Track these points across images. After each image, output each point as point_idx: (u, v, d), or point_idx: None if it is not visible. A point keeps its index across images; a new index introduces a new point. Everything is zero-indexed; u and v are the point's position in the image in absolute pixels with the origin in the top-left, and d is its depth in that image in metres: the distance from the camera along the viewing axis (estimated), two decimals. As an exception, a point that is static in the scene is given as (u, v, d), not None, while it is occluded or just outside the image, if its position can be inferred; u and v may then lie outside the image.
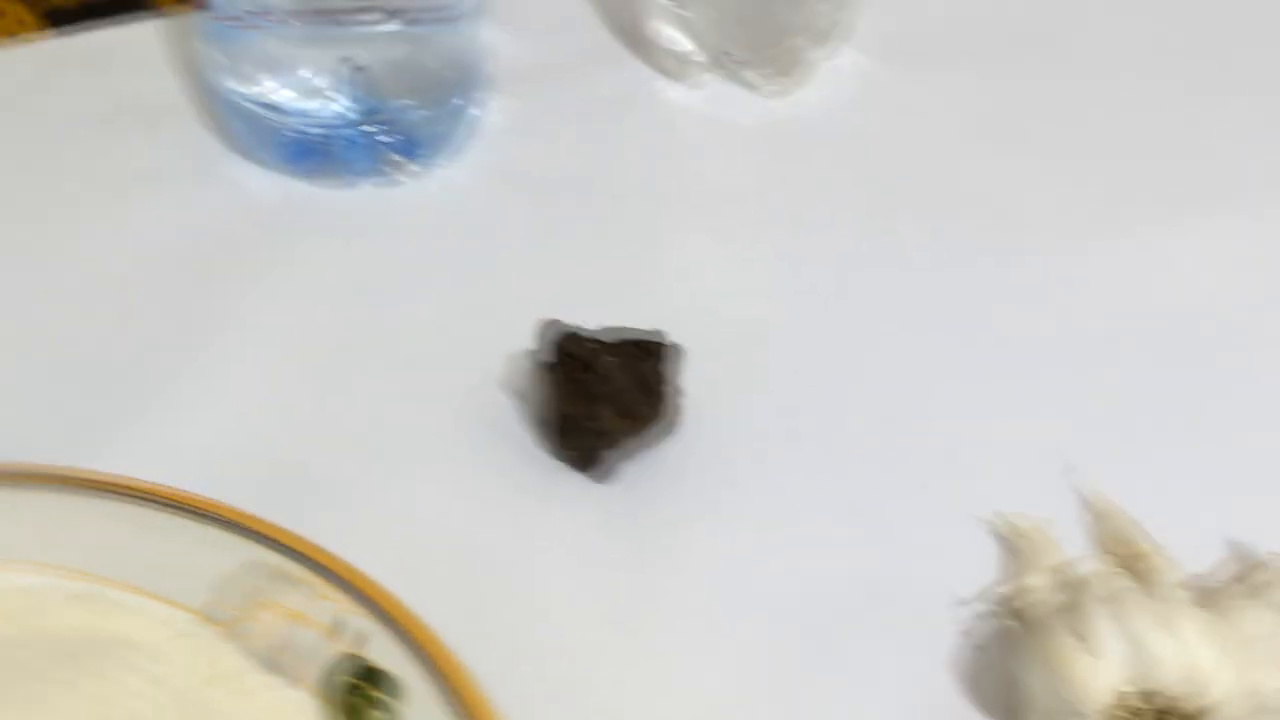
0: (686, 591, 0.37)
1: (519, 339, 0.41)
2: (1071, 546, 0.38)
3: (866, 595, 0.37)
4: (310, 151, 0.47)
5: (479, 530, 0.38)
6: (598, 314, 0.42)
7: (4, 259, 0.45)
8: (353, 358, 0.42)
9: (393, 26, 0.46)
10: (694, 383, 0.40)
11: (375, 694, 0.31)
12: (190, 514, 0.33)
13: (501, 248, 0.46)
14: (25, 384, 0.41)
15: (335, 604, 0.32)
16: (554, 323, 0.39)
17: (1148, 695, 0.32)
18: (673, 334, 0.40)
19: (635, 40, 0.53)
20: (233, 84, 0.47)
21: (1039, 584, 0.36)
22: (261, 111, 0.47)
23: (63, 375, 0.42)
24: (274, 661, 0.32)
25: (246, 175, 0.48)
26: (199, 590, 0.33)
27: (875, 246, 0.47)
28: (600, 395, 0.38)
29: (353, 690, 0.32)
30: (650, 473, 0.39)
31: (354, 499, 0.38)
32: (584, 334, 0.39)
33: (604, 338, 0.39)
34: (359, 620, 0.32)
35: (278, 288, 0.44)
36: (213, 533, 0.33)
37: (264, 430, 0.40)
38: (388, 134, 0.47)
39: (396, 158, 0.47)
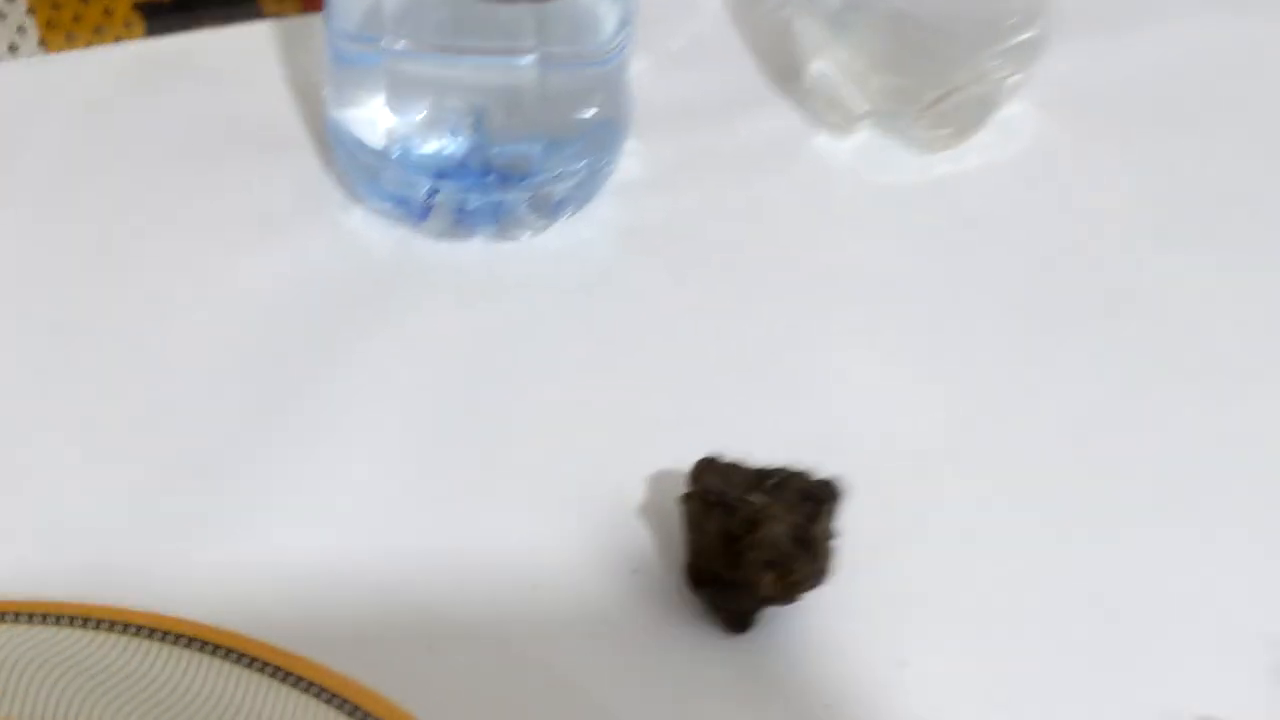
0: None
1: (655, 448, 0.37)
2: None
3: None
4: (421, 200, 0.42)
5: (600, 680, 0.34)
6: (742, 421, 0.37)
7: (89, 310, 0.40)
8: (463, 452, 0.38)
9: (530, 67, 0.40)
10: (847, 517, 0.35)
11: None
12: (288, 680, 0.29)
13: (631, 324, 0.41)
14: (107, 462, 0.37)
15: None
16: (708, 462, 0.34)
17: None
18: (825, 450, 0.35)
19: (788, 82, 0.48)
20: (340, 114, 0.42)
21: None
22: (369, 147, 0.42)
23: (149, 454, 0.37)
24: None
25: (351, 218, 0.43)
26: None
27: (1044, 352, 0.41)
28: (758, 554, 0.33)
29: None
30: (794, 626, 0.35)
31: (462, 641, 0.34)
32: (740, 474, 0.34)
33: (764, 477, 0.34)
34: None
35: (383, 359, 0.40)
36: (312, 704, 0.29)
37: (368, 537, 0.36)
38: (512, 186, 0.42)
39: (521, 212, 0.42)
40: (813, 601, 0.35)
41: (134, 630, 0.29)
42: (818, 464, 0.35)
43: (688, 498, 0.34)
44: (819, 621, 0.35)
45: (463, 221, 0.42)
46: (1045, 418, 0.40)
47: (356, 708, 0.29)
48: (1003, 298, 0.43)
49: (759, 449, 0.35)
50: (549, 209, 0.42)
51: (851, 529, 0.35)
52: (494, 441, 0.38)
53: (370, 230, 0.43)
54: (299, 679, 0.29)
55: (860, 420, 0.39)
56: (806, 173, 0.46)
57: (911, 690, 0.34)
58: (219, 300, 0.40)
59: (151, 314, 0.40)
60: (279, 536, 0.35)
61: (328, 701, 0.29)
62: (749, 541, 0.33)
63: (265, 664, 0.29)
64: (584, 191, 0.43)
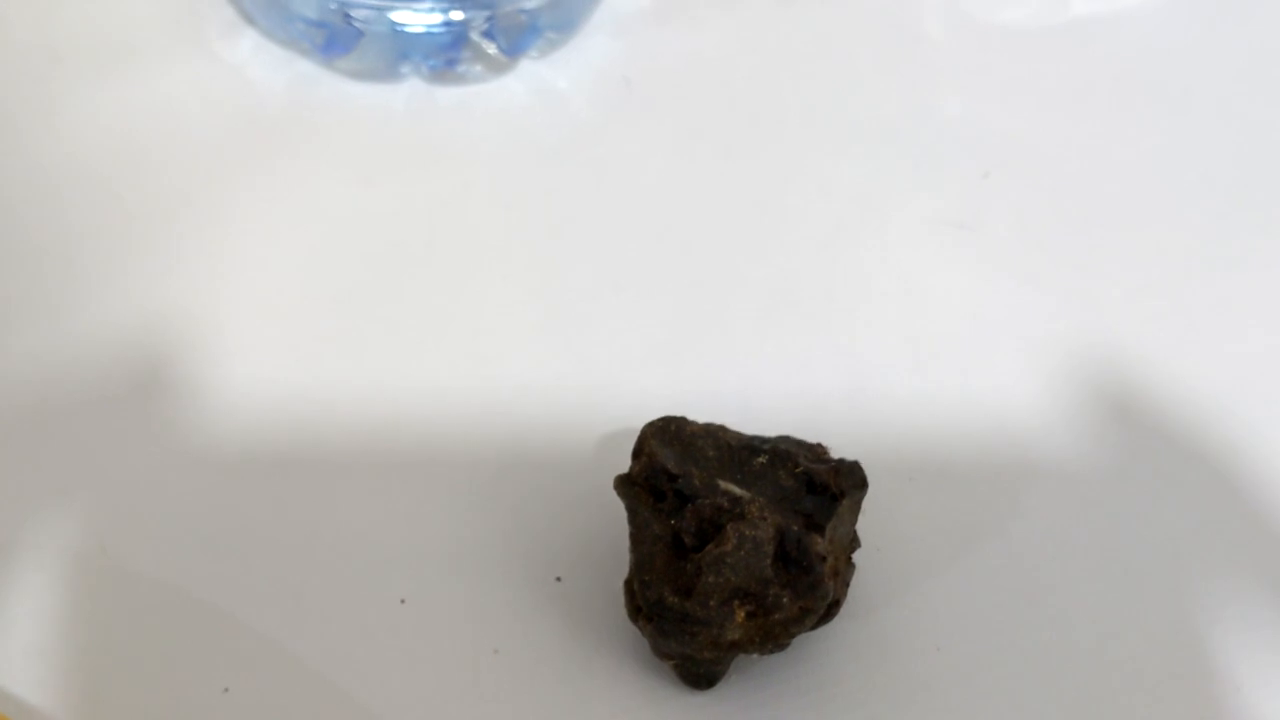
0: None
1: (617, 397, 0.25)
2: None
3: None
4: (337, 20, 0.30)
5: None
6: (750, 370, 0.25)
7: None
8: (347, 372, 0.26)
9: None
10: (876, 520, 0.23)
11: None
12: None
13: (609, 219, 0.29)
14: None
15: None
16: (665, 425, 0.22)
17: None
18: (855, 420, 0.23)
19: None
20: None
21: None
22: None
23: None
24: None
25: (237, 47, 0.31)
26: None
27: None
28: (720, 577, 0.21)
29: None
30: (784, 682, 0.22)
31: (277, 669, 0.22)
32: (715, 446, 0.22)
33: (751, 453, 0.22)
34: None
35: (262, 239, 0.28)
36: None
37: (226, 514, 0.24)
38: (469, 4, 0.30)
39: (477, 41, 0.30)
40: (815, 646, 0.22)
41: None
42: (841, 440, 0.23)
43: (624, 481, 0.22)
44: (822, 678, 0.22)
45: (391, 52, 0.30)
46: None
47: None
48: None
49: (770, 415, 0.23)
50: (512, 37, 0.30)
51: (886, 538, 0.23)
52: (389, 363, 0.26)
53: (261, 64, 0.31)
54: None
55: (917, 383, 0.26)
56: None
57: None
58: (51, 154, 0.29)
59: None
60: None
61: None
62: (707, 556, 0.21)
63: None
64: (563, 15, 0.31)
